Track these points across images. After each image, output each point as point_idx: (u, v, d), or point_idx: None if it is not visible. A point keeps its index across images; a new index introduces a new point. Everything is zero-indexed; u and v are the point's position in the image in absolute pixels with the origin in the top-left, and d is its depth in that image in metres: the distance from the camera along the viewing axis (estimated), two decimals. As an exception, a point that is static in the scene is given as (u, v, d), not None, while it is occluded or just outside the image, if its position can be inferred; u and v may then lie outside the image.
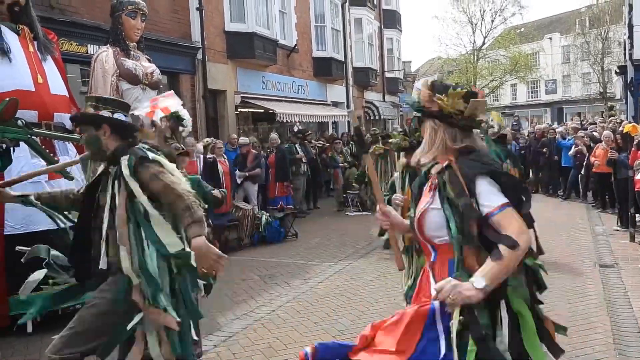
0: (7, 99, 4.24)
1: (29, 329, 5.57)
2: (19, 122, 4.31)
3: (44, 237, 5.63)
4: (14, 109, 4.23)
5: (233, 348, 5.19)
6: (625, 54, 21.55)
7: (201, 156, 9.33)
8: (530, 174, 16.41)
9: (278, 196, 11.48)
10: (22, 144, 4.56)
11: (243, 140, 11.40)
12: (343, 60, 20.71)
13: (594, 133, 13.55)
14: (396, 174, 4.79)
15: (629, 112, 19.33)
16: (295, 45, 17.42)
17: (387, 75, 27.46)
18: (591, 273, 7.29)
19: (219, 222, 9.62)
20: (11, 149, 4.37)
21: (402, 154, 4.77)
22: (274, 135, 12.30)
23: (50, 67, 6.05)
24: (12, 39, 5.68)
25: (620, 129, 12.21)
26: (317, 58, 19.09)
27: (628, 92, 19.45)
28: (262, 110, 14.99)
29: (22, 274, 5.56)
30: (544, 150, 14.78)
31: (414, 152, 3.79)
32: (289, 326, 5.71)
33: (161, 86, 8.09)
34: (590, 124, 18.44)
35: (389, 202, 4.38)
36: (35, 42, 5.95)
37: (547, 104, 46.94)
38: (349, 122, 20.73)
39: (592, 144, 12.77)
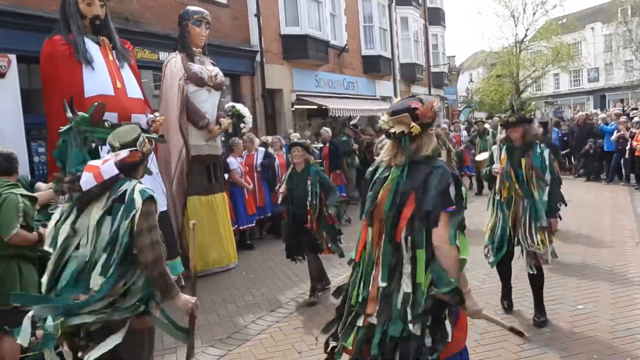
0: (96, 103, 4.46)
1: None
2: (106, 123, 4.52)
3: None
4: (101, 113, 4.44)
5: (293, 323, 5.31)
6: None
7: (260, 149, 9.46)
8: (573, 159, 15.89)
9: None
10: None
11: (294, 137, 11.44)
12: (390, 57, 20.49)
13: (636, 118, 12.95)
14: (494, 147, 5.10)
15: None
16: (346, 45, 17.37)
17: (433, 69, 26.99)
18: (633, 252, 7.03)
19: (277, 210, 9.78)
20: (99, 147, 4.61)
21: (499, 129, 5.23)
22: (323, 130, 12.25)
23: (127, 73, 6.30)
24: (94, 50, 5.94)
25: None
26: (366, 56, 18.94)
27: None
28: (316, 107, 15.06)
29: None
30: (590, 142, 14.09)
31: (516, 128, 4.71)
32: (344, 303, 5.77)
33: (224, 87, 8.28)
34: (633, 109, 17.62)
35: (490, 172, 4.95)
36: (113, 51, 6.20)
37: (590, 92, 45.01)
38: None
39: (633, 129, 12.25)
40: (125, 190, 2.92)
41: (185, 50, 7.41)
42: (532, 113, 5.37)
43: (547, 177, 4.68)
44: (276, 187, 6.36)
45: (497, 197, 4.95)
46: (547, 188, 4.70)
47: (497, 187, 4.92)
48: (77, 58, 5.73)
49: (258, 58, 12.86)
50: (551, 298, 5.39)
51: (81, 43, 5.79)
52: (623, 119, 13.31)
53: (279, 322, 5.37)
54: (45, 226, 4.00)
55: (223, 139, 8.68)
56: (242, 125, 8.15)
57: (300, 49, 14.26)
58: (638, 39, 33.85)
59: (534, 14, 33.74)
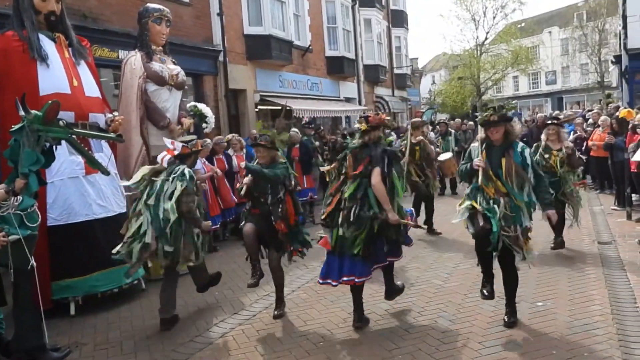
0: (50, 101, 4.31)
1: (72, 311, 5.68)
2: (61, 122, 4.38)
3: (83, 227, 5.76)
4: (55, 111, 4.30)
5: (256, 325, 5.25)
6: (620, 44, 21.16)
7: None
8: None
9: (307, 187, 11.10)
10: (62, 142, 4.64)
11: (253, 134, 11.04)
12: (354, 58, 20.63)
13: (590, 120, 13.35)
14: (475, 144, 4.98)
15: (624, 99, 19.03)
16: (309, 45, 17.38)
17: (396, 71, 27.28)
18: (590, 249, 7.23)
19: (240, 210, 9.66)
20: (54, 147, 4.46)
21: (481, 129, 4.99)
22: (292, 132, 11.96)
23: (84, 71, 6.13)
24: (49, 46, 5.76)
25: (617, 114, 12.03)
26: (330, 57, 19.03)
27: (623, 80, 19.16)
28: (280, 107, 14.99)
29: (63, 262, 5.70)
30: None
31: (497, 127, 4.70)
32: (308, 305, 5.75)
33: (186, 87, 8.14)
34: (588, 110, 18.20)
35: (467, 168, 4.86)
36: (70, 49, 6.03)
37: (548, 94, 46.35)
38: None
39: (589, 129, 12.60)
40: (180, 169, 5.14)
41: (145, 49, 7.24)
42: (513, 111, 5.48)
43: (530, 175, 4.61)
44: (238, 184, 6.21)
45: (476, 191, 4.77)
46: (530, 187, 4.62)
47: (479, 181, 4.70)
48: (32, 55, 5.55)
49: (221, 58, 12.74)
50: (511, 296, 5.48)
51: (35, 39, 5.60)
52: (579, 120, 13.68)
53: (242, 324, 5.30)
54: None
55: (185, 139, 8.49)
56: (204, 125, 8.02)
57: (263, 49, 14.19)
58: (593, 43, 34.98)
59: (494, 17, 34.49)
